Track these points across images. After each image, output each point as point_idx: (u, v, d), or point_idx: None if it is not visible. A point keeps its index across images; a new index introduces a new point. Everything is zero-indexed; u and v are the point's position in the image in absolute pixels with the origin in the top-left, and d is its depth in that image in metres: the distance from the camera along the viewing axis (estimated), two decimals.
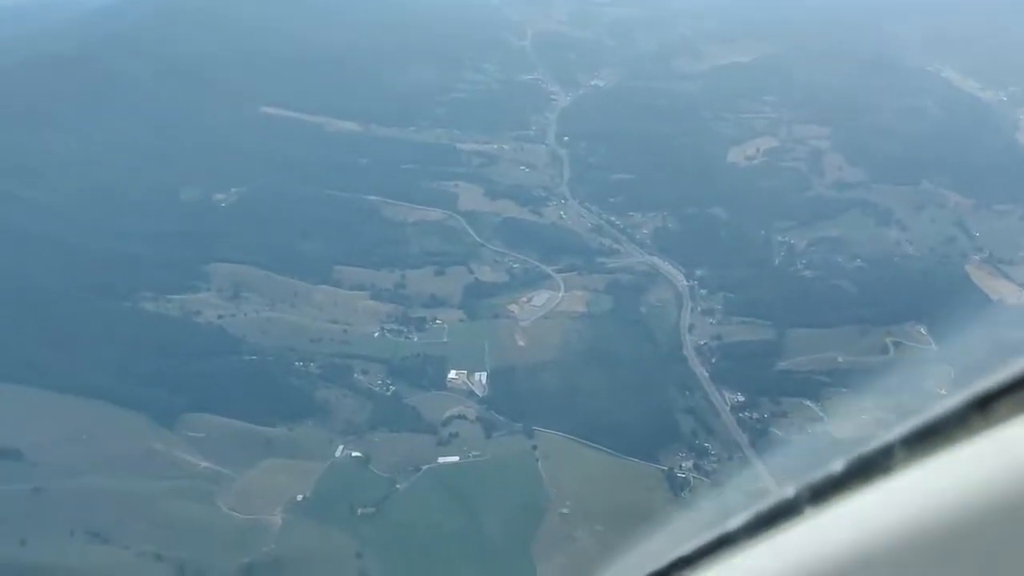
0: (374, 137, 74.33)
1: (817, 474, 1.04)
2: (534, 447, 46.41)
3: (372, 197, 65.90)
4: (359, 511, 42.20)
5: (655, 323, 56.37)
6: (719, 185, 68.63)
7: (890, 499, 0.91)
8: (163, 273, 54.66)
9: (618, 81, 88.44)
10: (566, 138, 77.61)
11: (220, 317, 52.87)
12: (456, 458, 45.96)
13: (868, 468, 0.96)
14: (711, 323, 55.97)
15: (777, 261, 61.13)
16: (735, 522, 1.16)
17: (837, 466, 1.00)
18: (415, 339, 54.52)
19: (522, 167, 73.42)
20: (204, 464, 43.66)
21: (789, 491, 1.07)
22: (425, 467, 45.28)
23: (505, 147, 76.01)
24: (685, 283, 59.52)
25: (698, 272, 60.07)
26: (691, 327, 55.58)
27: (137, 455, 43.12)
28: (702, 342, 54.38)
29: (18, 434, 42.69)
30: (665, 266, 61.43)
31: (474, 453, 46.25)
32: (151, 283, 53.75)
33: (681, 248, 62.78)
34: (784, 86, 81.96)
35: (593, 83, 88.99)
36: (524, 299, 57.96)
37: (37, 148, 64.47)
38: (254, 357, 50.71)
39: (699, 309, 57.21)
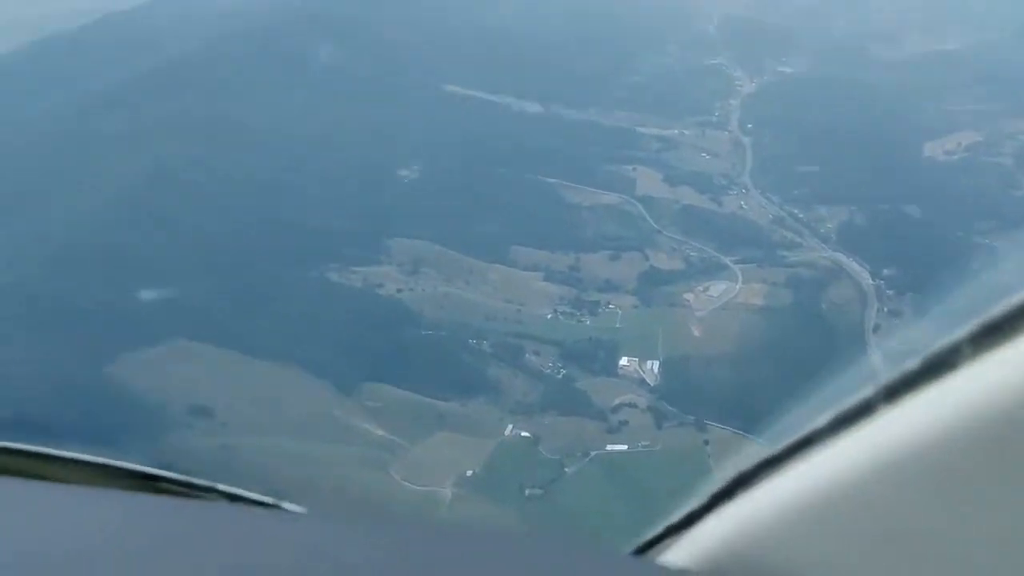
0: (555, 118, 74.28)
1: (893, 373, 1.10)
2: (705, 441, 45.22)
3: (551, 179, 65.87)
4: (527, 491, 42.43)
5: (837, 321, 53.98)
6: (913, 181, 64.77)
7: (952, 393, 0.98)
8: (348, 245, 56.44)
9: (808, 68, 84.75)
10: (750, 125, 75.07)
11: (399, 291, 54.18)
12: (625, 446, 45.42)
13: (938, 365, 1.02)
14: (898, 325, 53.16)
15: (976, 264, 57.26)
16: (818, 423, 1.23)
17: (911, 364, 1.06)
18: (587, 323, 54.17)
19: (703, 154, 71.60)
20: (380, 433, 44.90)
21: (868, 390, 1.14)
22: (594, 453, 45.02)
23: (686, 132, 74.26)
24: (871, 282, 56.59)
25: (886, 271, 56.96)
26: (876, 327, 52.88)
27: (318, 420, 44.80)
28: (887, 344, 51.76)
29: (210, 393, 45.05)
30: (850, 263, 58.55)
31: (643, 443, 45.56)
32: (336, 254, 55.63)
33: (869, 245, 59.71)
34: (994, 76, 76.29)
35: (781, 69, 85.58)
36: (700, 288, 56.60)
37: (230, 122, 67.55)
38: (430, 332, 51.72)
39: (885, 310, 54.31)
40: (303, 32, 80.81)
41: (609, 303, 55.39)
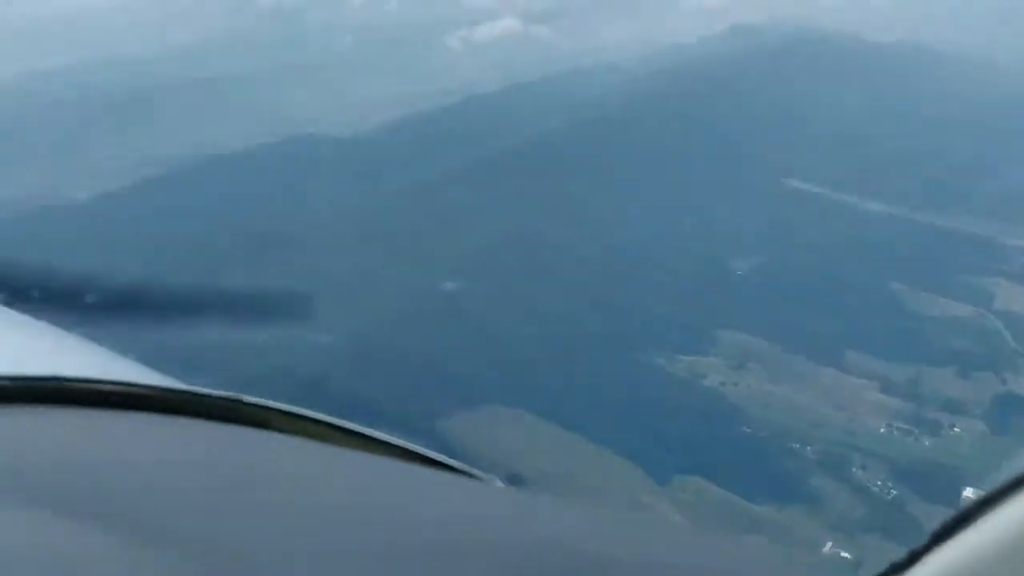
0: (904, 221, 70.13)
1: None
2: None
3: (893, 283, 61.99)
4: None
5: None
6: None
7: None
8: (676, 332, 56.27)
9: None
10: None
11: (723, 384, 52.90)
12: None
13: None
14: None
15: None
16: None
17: None
18: (926, 443, 49.64)
19: None
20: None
21: None
22: None
23: None
24: None
25: None
26: None
27: (627, 505, 44.30)
28: None
29: (523, 461, 45.99)
30: None
31: None
32: (664, 340, 55.59)
33: None
34: None
35: None
36: None
37: (577, 204, 70.54)
38: (749, 430, 49.88)
39: None
40: (648, 121, 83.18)
41: (954, 425, 50.52)
